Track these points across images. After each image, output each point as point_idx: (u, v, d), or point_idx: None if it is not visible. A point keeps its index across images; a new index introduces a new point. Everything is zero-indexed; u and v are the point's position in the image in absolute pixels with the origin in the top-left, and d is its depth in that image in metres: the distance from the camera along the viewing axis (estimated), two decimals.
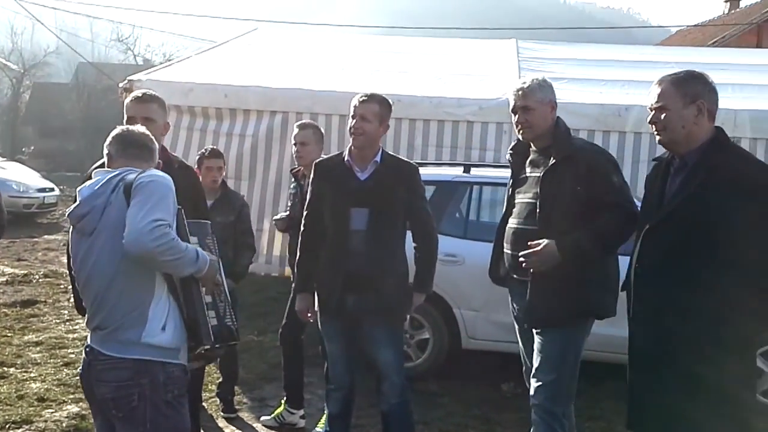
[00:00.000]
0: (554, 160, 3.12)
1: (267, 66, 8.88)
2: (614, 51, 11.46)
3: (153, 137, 2.74)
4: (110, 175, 2.53)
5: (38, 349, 5.38)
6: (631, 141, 7.64)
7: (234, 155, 8.06)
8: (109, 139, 2.67)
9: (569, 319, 3.13)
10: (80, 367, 2.60)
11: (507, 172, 5.82)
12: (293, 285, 4.52)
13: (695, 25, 21.36)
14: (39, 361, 5.10)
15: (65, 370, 4.91)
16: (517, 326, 3.45)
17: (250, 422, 4.49)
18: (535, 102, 3.18)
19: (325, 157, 3.79)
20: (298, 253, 3.67)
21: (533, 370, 3.21)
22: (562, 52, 10.51)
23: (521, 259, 3.11)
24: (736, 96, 7.77)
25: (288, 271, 7.82)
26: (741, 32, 18.08)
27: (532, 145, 3.28)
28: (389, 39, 12.09)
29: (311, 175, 3.65)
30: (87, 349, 2.56)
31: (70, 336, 5.73)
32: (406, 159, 3.74)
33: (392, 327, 3.52)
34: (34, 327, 5.90)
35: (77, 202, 2.53)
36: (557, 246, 3.02)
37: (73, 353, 5.28)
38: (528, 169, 3.28)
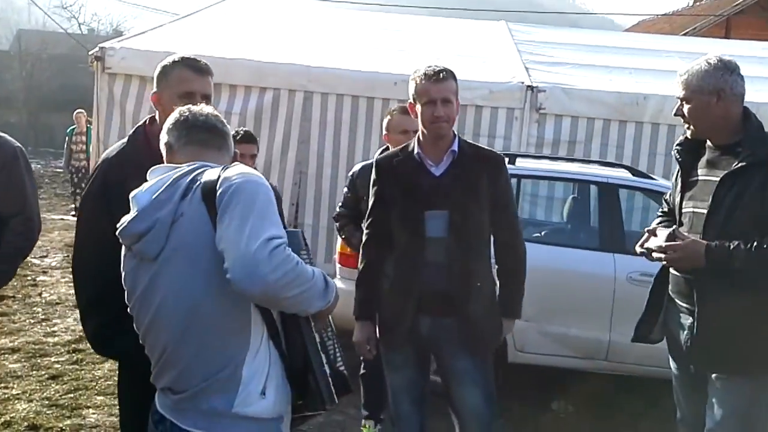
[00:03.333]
0: (742, 163, 2.56)
1: (252, 38, 8.15)
2: (602, 37, 11.12)
3: (223, 119, 2.07)
4: (176, 174, 1.83)
5: (15, 357, 4.63)
6: (648, 132, 7.27)
7: None
8: (166, 125, 1.98)
9: (755, 365, 2.55)
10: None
11: (552, 165, 5.42)
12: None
13: (664, 14, 21.37)
14: (20, 373, 4.36)
15: (53, 385, 4.20)
16: (674, 364, 2.91)
17: None
18: (691, 92, 2.63)
19: (387, 152, 3.16)
20: (358, 270, 3.04)
21: (707, 430, 2.64)
22: (554, 36, 10.11)
23: (654, 248, 2.61)
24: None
25: None
26: (711, 24, 18.08)
27: (708, 141, 2.71)
28: (374, 15, 11.46)
29: (373, 176, 3.01)
30: (155, 416, 1.88)
31: (50, 340, 4.99)
32: (488, 147, 3.15)
33: (479, 359, 2.90)
34: (6, 329, 5.12)
35: (132, 215, 1.83)
36: (705, 250, 2.51)
37: (57, 363, 4.55)
38: (701, 171, 2.69)
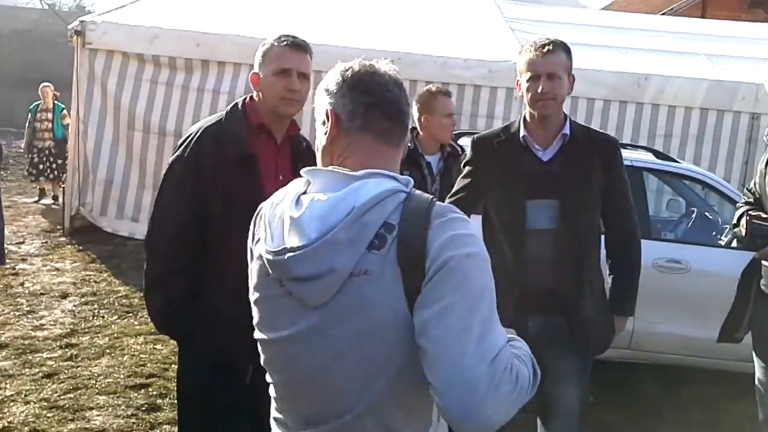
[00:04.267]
0: None
1: (241, 12, 7.79)
2: (592, 16, 10.99)
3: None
4: (359, 202, 1.26)
5: (4, 353, 4.27)
6: (648, 113, 7.15)
7: (206, 114, 6.98)
8: (335, 79, 1.36)
9: None
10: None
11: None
12: None
13: None
14: (11, 371, 4.03)
15: (50, 385, 3.87)
16: (761, 362, 2.73)
17: None
18: None
19: (486, 132, 2.87)
20: None
21: None
22: (545, 15, 9.90)
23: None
24: (761, 70, 7.40)
25: None
26: (688, 5, 18.09)
27: None
28: None
29: (469, 155, 2.75)
30: None
31: (39, 335, 4.64)
32: (600, 130, 2.89)
33: (585, 361, 2.71)
34: None
35: (292, 246, 1.28)
36: None
37: (51, 360, 4.23)
38: None
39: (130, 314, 5.11)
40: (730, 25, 10.60)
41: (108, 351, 4.42)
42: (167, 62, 7.08)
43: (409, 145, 3.57)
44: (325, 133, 1.37)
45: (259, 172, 2.27)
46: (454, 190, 2.76)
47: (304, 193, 1.34)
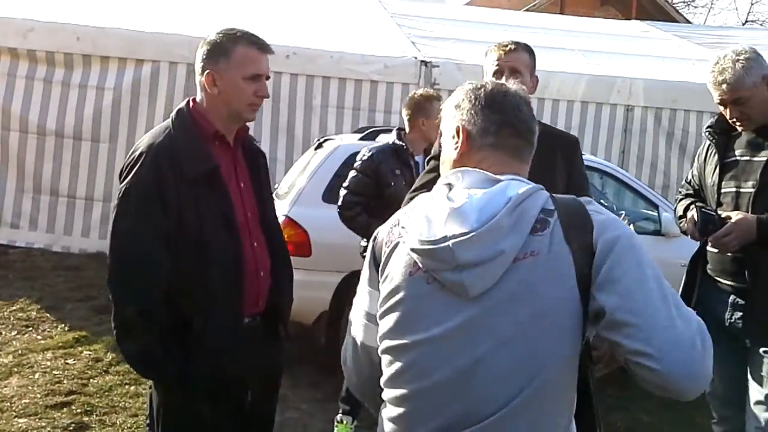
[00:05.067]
0: None
1: (126, 4, 7.41)
2: (473, 13, 11.38)
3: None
4: (515, 192, 1.32)
5: None
6: (534, 107, 7.34)
7: (90, 112, 6.68)
8: (465, 98, 1.46)
9: None
10: None
11: None
12: None
13: None
14: None
15: None
16: None
17: None
18: (747, 90, 2.55)
19: None
20: None
21: (753, 405, 2.57)
22: (427, 11, 10.16)
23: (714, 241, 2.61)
24: (632, 65, 7.99)
25: None
26: (547, 2, 19.12)
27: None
28: None
29: (435, 151, 2.75)
30: None
31: None
32: (562, 129, 3.06)
33: None
34: None
35: (454, 232, 1.30)
36: (757, 222, 2.52)
37: None
38: (740, 152, 2.69)
39: (30, 329, 4.74)
40: (588, 22, 11.35)
41: (16, 370, 4.08)
42: (44, 57, 6.62)
43: (401, 144, 3.72)
44: (456, 148, 1.46)
45: (224, 183, 2.11)
46: (417, 184, 2.74)
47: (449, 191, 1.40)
